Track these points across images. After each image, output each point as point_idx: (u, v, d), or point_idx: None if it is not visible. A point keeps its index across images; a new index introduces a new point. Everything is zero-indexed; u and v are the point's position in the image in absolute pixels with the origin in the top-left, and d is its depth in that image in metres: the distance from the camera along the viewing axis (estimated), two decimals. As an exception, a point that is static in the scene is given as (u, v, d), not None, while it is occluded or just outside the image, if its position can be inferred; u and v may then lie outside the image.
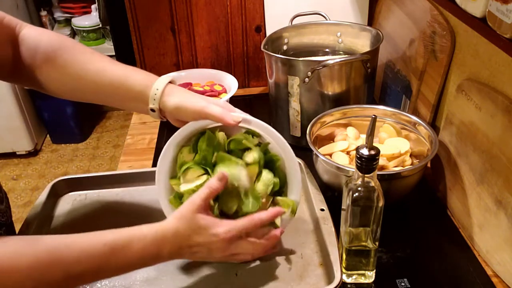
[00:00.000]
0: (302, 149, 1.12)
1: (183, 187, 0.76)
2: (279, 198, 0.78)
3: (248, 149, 0.77)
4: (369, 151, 0.66)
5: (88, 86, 0.78)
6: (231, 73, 1.33)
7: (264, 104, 1.28)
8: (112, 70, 0.77)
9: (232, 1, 1.34)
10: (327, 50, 1.25)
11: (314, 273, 0.79)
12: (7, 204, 0.88)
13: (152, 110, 0.76)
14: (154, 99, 0.75)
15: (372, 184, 0.69)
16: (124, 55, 1.79)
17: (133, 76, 0.77)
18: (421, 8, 1.08)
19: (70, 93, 0.82)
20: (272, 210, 0.74)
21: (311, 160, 0.98)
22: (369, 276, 0.78)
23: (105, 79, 0.77)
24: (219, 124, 0.76)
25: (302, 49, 1.24)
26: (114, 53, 2.08)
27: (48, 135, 2.98)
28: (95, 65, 0.77)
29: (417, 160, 0.96)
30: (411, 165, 0.94)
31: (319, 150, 0.93)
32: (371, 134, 0.66)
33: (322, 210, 0.86)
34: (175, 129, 0.83)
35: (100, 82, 0.77)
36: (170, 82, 0.77)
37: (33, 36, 0.77)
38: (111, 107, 3.21)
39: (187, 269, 0.80)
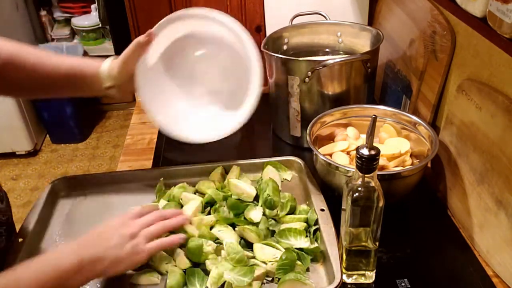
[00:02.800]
0: (302, 149, 1.12)
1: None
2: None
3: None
4: (369, 151, 0.65)
5: (47, 81, 0.86)
6: (231, 73, 1.33)
7: (264, 104, 1.26)
8: (65, 63, 0.87)
9: (232, 1, 1.33)
10: (327, 50, 1.25)
11: (314, 273, 0.79)
12: (7, 204, 0.89)
13: (109, 87, 0.86)
14: (107, 77, 0.86)
15: (372, 184, 0.68)
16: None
17: (83, 64, 0.88)
18: (422, 8, 1.08)
19: (30, 92, 0.92)
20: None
21: (311, 160, 0.98)
22: (369, 276, 0.78)
23: (61, 71, 0.86)
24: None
25: (302, 49, 1.24)
26: (114, 53, 2.07)
27: (47, 135, 2.97)
28: (50, 61, 0.86)
29: (417, 160, 0.95)
30: (411, 165, 0.94)
31: (319, 150, 0.93)
32: (371, 134, 0.66)
33: (322, 210, 0.86)
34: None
35: (58, 75, 0.86)
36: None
37: None
38: (111, 107, 3.21)
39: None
